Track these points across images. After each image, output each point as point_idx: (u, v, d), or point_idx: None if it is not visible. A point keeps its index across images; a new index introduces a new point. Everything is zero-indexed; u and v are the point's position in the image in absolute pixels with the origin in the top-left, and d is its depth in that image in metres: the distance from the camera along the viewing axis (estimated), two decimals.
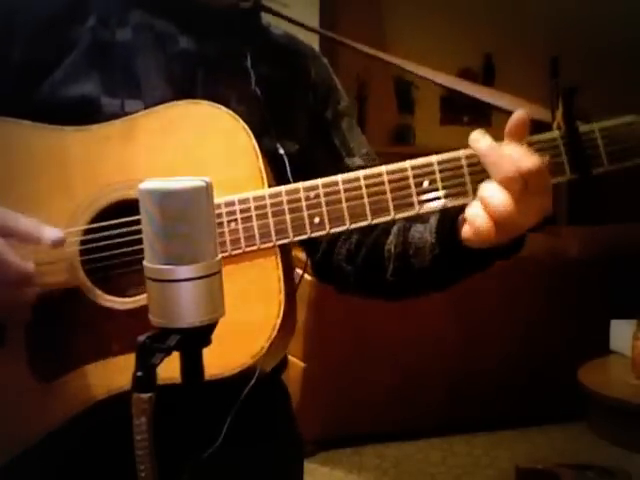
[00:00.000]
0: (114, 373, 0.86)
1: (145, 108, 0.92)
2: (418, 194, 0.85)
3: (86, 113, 0.92)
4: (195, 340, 0.63)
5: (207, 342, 0.63)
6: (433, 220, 0.92)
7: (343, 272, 1.04)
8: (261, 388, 0.88)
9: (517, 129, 0.82)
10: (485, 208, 0.81)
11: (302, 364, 3.23)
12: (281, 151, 0.96)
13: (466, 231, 0.84)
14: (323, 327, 3.25)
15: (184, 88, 0.95)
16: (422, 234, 0.94)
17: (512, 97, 0.94)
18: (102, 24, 0.95)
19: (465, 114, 6.05)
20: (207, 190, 0.61)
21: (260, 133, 0.92)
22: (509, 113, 0.84)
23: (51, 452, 0.90)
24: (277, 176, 0.93)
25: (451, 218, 0.88)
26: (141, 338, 0.62)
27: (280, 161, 0.95)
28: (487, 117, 5.51)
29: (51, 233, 0.83)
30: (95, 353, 0.87)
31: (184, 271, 0.61)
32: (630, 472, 2.84)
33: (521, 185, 0.80)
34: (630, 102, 1.39)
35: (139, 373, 0.61)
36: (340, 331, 3.32)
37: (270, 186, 0.89)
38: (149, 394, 0.61)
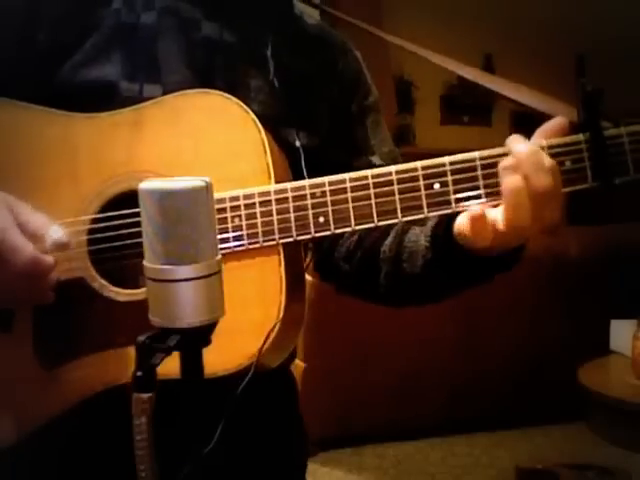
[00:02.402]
0: (110, 365, 0.85)
1: (163, 93, 0.91)
2: (428, 197, 0.81)
3: (104, 96, 0.91)
4: (195, 340, 0.63)
5: (207, 342, 0.63)
6: (430, 223, 0.89)
7: (341, 271, 1.03)
8: (266, 382, 0.87)
9: (553, 135, 0.78)
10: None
11: (302, 364, 3.22)
12: (297, 144, 0.94)
13: (461, 223, 0.79)
14: (323, 327, 3.25)
15: (203, 75, 0.94)
16: (417, 237, 0.91)
17: (532, 91, 0.90)
18: (128, 6, 0.95)
19: (465, 114, 6.03)
20: (207, 190, 0.61)
21: (278, 124, 0.91)
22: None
23: (51, 452, 0.90)
24: (293, 169, 0.92)
25: (447, 220, 0.84)
26: (141, 338, 0.62)
27: (297, 153, 0.94)
28: (487, 117, 5.51)
29: (55, 234, 0.82)
30: (97, 344, 0.86)
31: (184, 271, 0.61)
32: (630, 472, 2.84)
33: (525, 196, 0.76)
34: None
35: (139, 373, 0.61)
36: (340, 331, 3.31)
37: (286, 180, 0.86)
38: (149, 394, 0.61)
